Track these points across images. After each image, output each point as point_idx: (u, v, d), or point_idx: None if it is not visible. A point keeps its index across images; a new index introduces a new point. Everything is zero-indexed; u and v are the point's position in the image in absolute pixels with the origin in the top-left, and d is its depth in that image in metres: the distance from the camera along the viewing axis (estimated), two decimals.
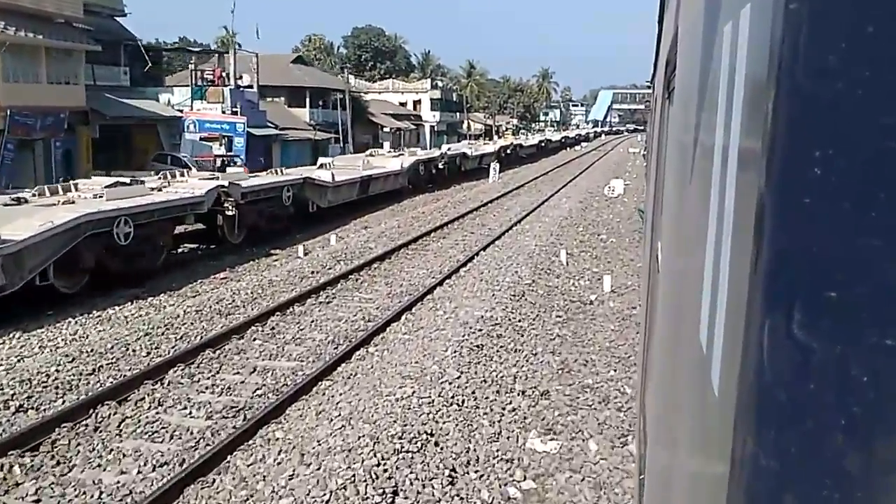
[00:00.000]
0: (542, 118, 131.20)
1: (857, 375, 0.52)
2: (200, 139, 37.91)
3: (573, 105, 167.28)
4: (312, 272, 15.45)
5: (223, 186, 16.71)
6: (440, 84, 78.80)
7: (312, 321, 12.04)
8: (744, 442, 0.58)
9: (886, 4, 0.51)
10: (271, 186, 18.68)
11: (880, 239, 0.52)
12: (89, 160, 33.29)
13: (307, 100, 52.07)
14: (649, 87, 17.78)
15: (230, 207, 16.99)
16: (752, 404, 0.57)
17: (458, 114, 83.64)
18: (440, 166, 34.05)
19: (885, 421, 0.52)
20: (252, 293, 13.79)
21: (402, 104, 75.25)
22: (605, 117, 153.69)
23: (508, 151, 49.51)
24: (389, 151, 34.10)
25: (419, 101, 75.56)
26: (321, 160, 28.48)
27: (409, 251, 18.43)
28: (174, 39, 78.40)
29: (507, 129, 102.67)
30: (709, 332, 0.83)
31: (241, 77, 41.78)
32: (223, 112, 38.43)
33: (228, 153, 36.71)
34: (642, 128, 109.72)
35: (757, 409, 0.57)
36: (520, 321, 12.24)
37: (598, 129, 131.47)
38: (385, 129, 64.52)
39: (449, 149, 38.25)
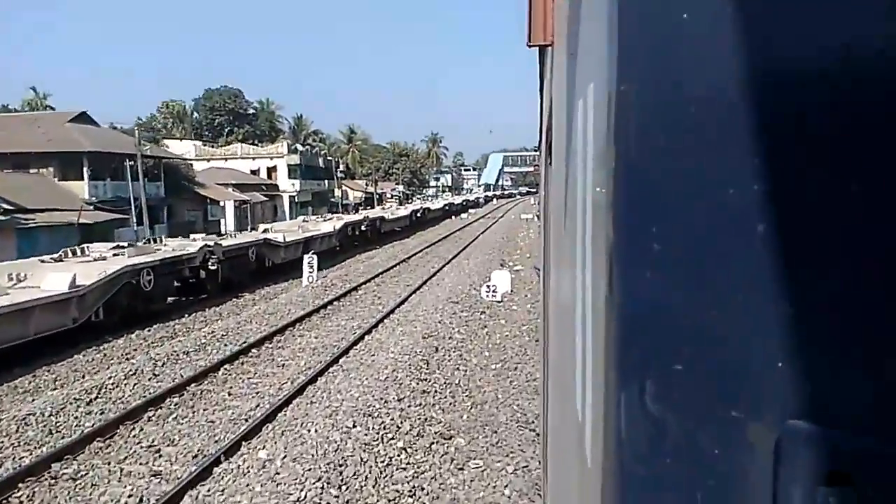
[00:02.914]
0: (432, 184, 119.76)
1: (709, 448, 0.52)
2: None
3: (465, 170, 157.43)
4: None
5: None
6: (300, 148, 64.90)
7: None
8: None
9: (707, 87, 0.52)
10: None
11: (718, 311, 0.52)
12: None
13: (84, 169, 36.81)
14: (537, 151, 13.76)
15: None
16: (615, 479, 0.56)
17: (326, 181, 69.84)
18: (202, 273, 19.71)
19: (738, 495, 0.51)
20: None
21: (254, 172, 60.90)
22: (497, 180, 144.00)
23: (363, 228, 35.75)
24: (123, 244, 19.37)
25: (274, 168, 61.42)
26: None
27: None
28: None
29: (392, 197, 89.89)
30: (582, 401, 0.80)
31: None
32: None
33: None
34: (535, 190, 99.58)
35: (620, 485, 0.56)
36: None
37: (490, 193, 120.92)
38: (221, 204, 49.76)
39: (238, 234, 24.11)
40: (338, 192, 74.01)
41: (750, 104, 0.52)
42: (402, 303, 19.24)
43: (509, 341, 15.30)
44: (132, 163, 36.03)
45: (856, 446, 0.49)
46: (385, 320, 16.91)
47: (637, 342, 0.54)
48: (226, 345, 14.52)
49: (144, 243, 20.54)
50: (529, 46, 2.52)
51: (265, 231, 28.81)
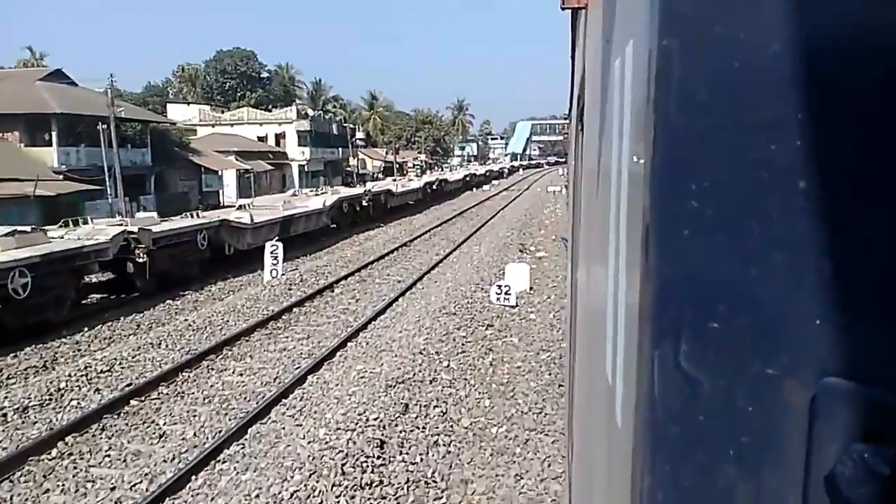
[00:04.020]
0: (457, 153, 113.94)
1: (743, 406, 0.52)
2: None
3: (492, 139, 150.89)
4: None
5: None
6: (311, 113, 59.79)
7: None
8: (642, 476, 0.56)
9: (752, 39, 0.52)
10: None
11: (756, 269, 0.52)
12: None
13: (53, 134, 32.25)
14: (566, 119, 12.06)
15: None
16: (647, 438, 0.56)
17: (340, 149, 64.75)
18: (131, 266, 15.01)
19: (772, 452, 0.52)
20: None
21: (262, 139, 56.09)
22: (525, 150, 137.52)
23: (364, 203, 30.73)
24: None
25: (283, 135, 56.50)
26: None
27: None
28: None
29: (413, 166, 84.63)
30: (612, 363, 0.80)
31: None
32: None
33: None
34: (563, 160, 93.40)
35: (652, 443, 0.56)
36: None
37: (517, 163, 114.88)
38: (218, 173, 45.08)
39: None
40: (353, 161, 69.01)
41: (795, 58, 0.51)
42: (383, 311, 14.26)
43: (522, 380, 10.38)
44: (105, 126, 31.32)
45: (893, 402, 0.48)
46: (349, 343, 11.96)
47: (672, 301, 0.54)
48: (98, 389, 9.71)
49: (60, 226, 15.78)
50: (563, 9, 2.39)
51: (240, 207, 23.99)
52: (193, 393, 9.68)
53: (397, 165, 78.75)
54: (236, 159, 47.72)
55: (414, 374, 9.97)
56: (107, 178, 32.22)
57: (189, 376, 10.32)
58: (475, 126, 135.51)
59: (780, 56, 0.51)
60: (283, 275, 17.30)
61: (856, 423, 0.48)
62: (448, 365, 10.71)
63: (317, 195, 27.85)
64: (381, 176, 65.01)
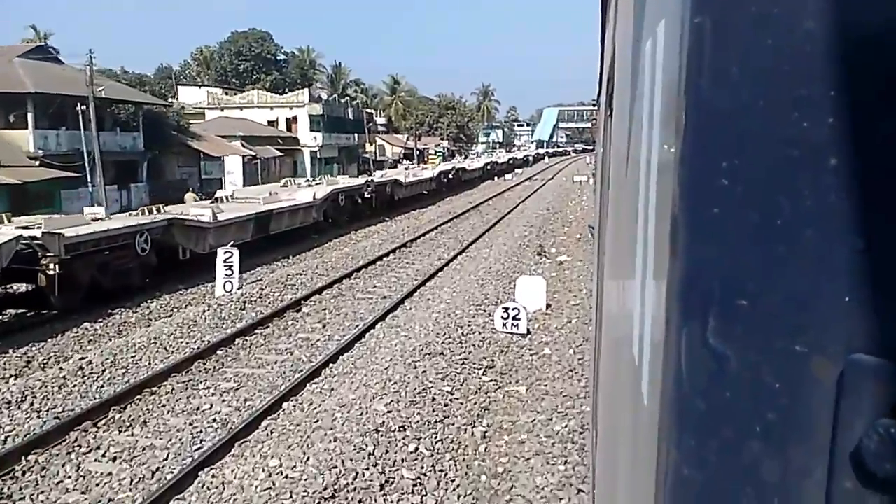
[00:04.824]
0: (481, 139, 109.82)
1: (770, 382, 0.52)
2: None
3: (518, 125, 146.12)
4: None
5: None
6: (324, 97, 56.40)
7: None
8: (667, 452, 0.57)
9: (784, 16, 0.52)
10: None
11: (786, 246, 0.52)
12: None
13: (30, 115, 29.26)
14: (595, 105, 12.18)
15: None
16: (673, 414, 0.56)
17: (356, 135, 61.30)
18: (43, 278, 11.82)
19: (798, 427, 0.52)
20: None
21: (272, 123, 52.93)
22: (551, 137, 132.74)
23: (366, 195, 27.20)
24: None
25: (294, 119, 53.25)
26: None
27: None
28: None
29: (435, 153, 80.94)
30: (639, 343, 0.81)
31: None
32: None
33: None
34: (591, 147, 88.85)
35: (678, 419, 0.56)
36: None
37: (542, 150, 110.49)
38: (220, 159, 41.96)
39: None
40: (370, 147, 65.56)
41: (829, 35, 0.51)
42: (350, 347, 10.84)
43: (524, 467, 7.33)
44: (85, 107, 28.27)
45: None
46: (285, 405, 8.56)
47: (701, 277, 0.54)
48: None
49: None
50: None
51: (216, 200, 20.76)
52: (23, 500, 6.36)
53: (418, 152, 75.19)
54: (243, 145, 44.58)
55: (356, 476, 6.53)
56: (87, 164, 29.23)
57: (35, 463, 6.99)
58: (501, 112, 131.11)
59: (813, 33, 0.50)
60: (239, 288, 13.94)
61: (883, 399, 0.47)
62: (416, 449, 7.27)
63: (309, 185, 24.45)
64: (405, 162, 61.59)
